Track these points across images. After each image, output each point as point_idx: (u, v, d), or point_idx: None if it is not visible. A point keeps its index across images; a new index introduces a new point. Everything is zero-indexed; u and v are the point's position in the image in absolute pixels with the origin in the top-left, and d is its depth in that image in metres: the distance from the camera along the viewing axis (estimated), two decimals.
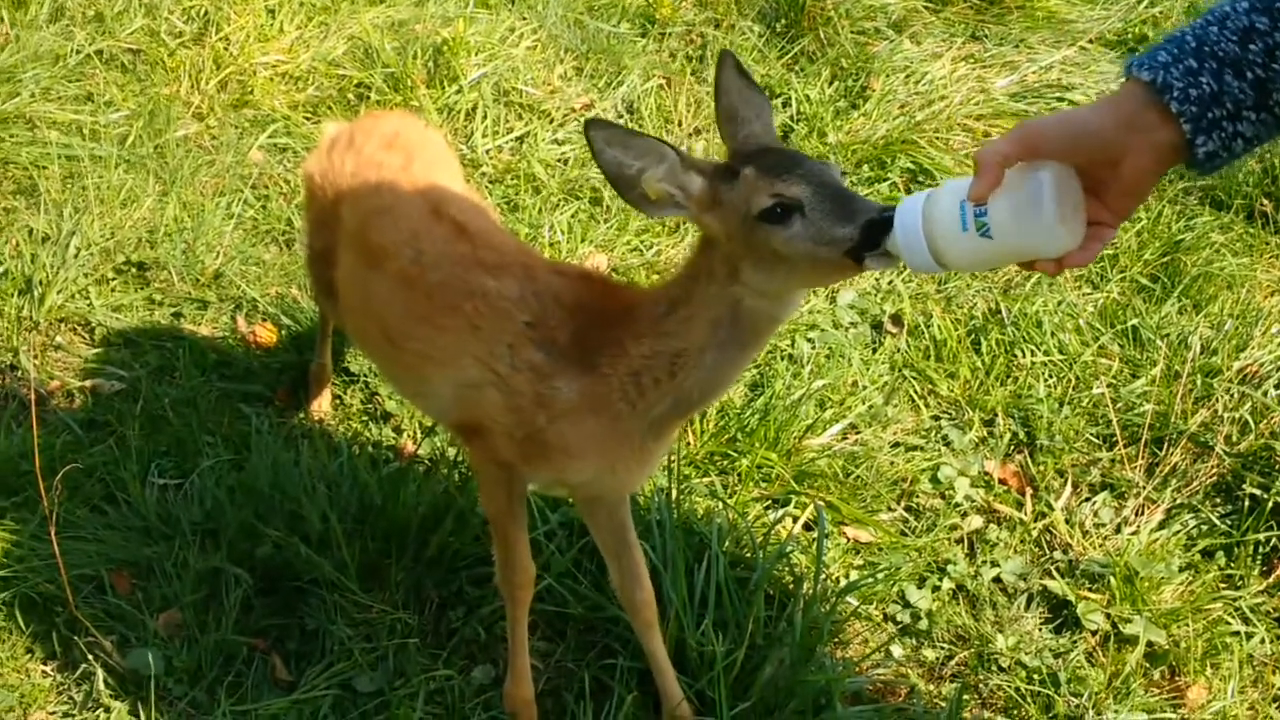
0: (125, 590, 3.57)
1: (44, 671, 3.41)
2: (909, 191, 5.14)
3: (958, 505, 4.03)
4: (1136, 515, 4.00)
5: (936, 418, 4.35)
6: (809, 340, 4.48)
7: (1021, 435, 4.27)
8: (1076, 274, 4.90)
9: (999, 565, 3.85)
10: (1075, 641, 3.66)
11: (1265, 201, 5.27)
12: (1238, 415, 4.16)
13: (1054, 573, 3.83)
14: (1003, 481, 4.12)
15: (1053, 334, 4.58)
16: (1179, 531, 3.94)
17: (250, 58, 5.56)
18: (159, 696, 3.31)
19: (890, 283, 4.79)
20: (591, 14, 6.04)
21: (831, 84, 5.72)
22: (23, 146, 5.04)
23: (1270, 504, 3.90)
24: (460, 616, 3.56)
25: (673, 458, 3.71)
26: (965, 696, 3.50)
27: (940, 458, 4.17)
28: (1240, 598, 3.78)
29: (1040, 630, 3.71)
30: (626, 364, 2.69)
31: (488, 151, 5.27)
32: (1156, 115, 1.91)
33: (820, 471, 4.03)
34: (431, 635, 3.53)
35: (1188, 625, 3.67)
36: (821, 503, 3.90)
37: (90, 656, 3.37)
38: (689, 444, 4.01)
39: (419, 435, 4.04)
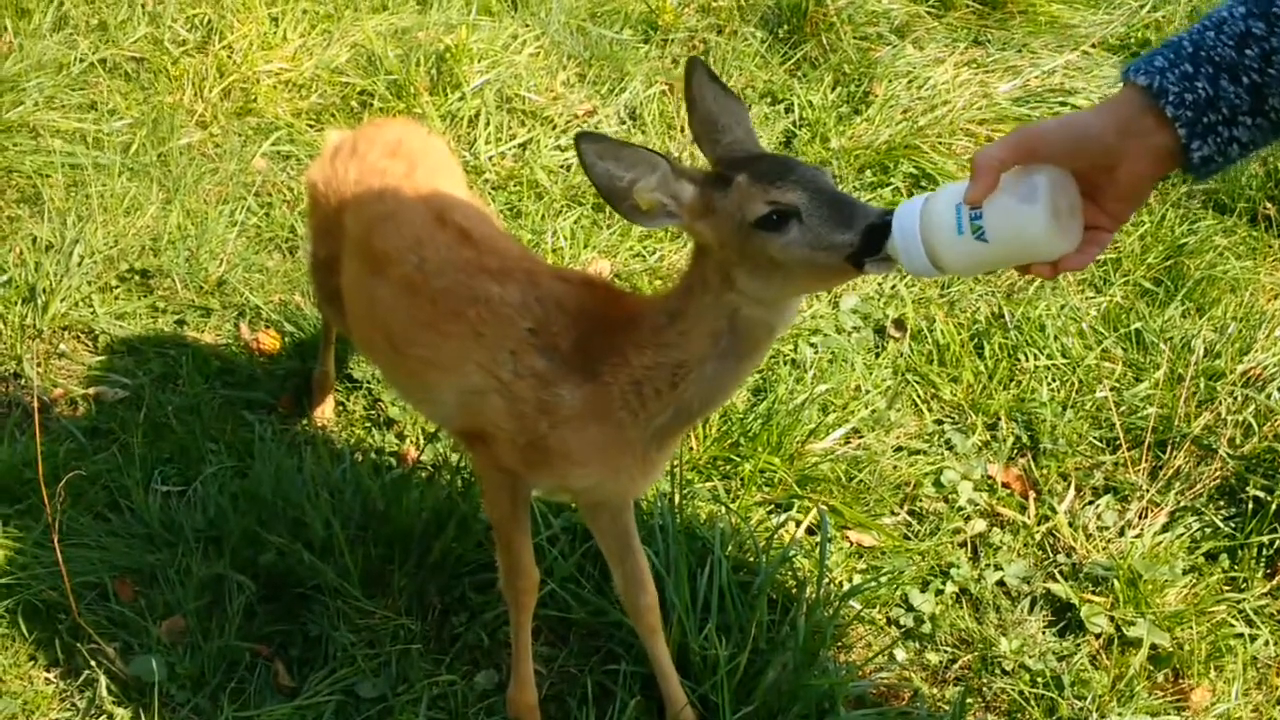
0: (128, 597, 3.57)
1: (47, 678, 3.41)
2: (911, 197, 5.14)
3: (961, 509, 4.02)
4: (1140, 518, 4.00)
5: (939, 422, 4.34)
6: (811, 345, 4.48)
7: (1025, 439, 4.27)
8: (1079, 278, 4.90)
9: (1002, 569, 3.84)
10: (1079, 644, 3.66)
11: (1268, 205, 5.27)
12: (1241, 418, 4.16)
13: (1057, 576, 3.83)
14: (1006, 485, 4.12)
15: (1056, 338, 4.58)
16: (1182, 534, 3.94)
17: (253, 66, 5.57)
18: (162, 703, 3.31)
19: (893, 287, 4.79)
20: (594, 20, 6.05)
21: (834, 89, 5.73)
22: (26, 155, 5.06)
23: (1274, 506, 3.90)
24: (463, 622, 3.56)
25: (675, 462, 3.70)
26: (969, 700, 3.49)
27: (943, 461, 4.17)
28: (1244, 600, 3.77)
29: (1044, 633, 3.70)
30: (628, 373, 2.69)
31: (490, 158, 5.28)
32: (1152, 120, 1.91)
33: (823, 476, 4.02)
34: (434, 641, 3.53)
35: (1191, 628, 3.66)
36: (824, 507, 3.90)
37: (93, 663, 3.38)
38: (692, 449, 4.01)
39: (422, 441, 4.04)
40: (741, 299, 2.47)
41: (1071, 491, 4.09)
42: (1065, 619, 3.74)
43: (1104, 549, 3.90)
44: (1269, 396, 4.21)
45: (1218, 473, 4.06)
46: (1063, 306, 4.73)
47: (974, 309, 4.74)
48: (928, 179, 5.26)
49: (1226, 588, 3.84)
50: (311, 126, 5.41)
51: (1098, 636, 3.67)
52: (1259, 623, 3.74)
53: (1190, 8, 6.29)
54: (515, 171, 5.22)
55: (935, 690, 3.57)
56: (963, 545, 3.94)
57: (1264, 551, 3.90)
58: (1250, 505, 3.97)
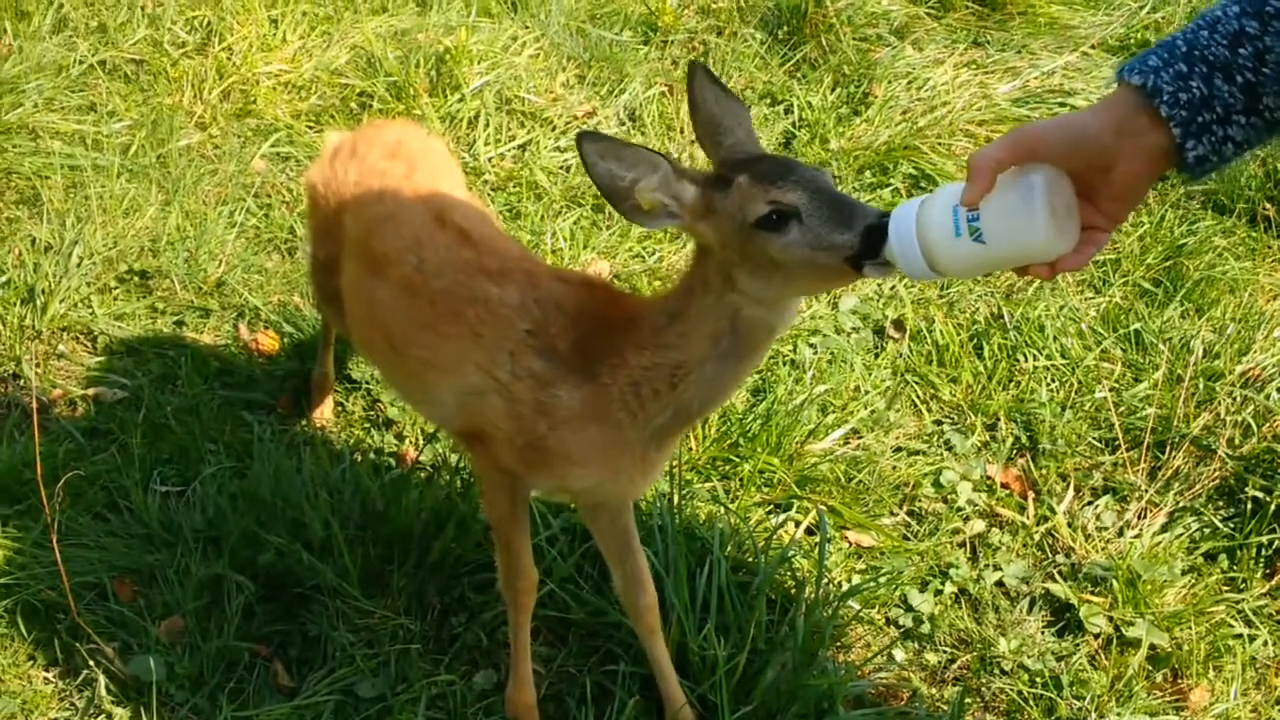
0: (127, 597, 3.57)
1: (46, 678, 3.41)
2: (910, 198, 5.14)
3: (960, 509, 4.02)
4: (1139, 518, 4.00)
5: (939, 422, 4.34)
6: (811, 345, 4.48)
7: (1024, 439, 4.27)
8: (1078, 278, 4.90)
9: (1001, 569, 3.84)
10: (1078, 644, 3.65)
11: (1267, 205, 5.27)
12: (1240, 418, 4.16)
13: (1056, 576, 3.82)
14: (1005, 485, 4.12)
15: (1055, 338, 4.58)
16: (1181, 535, 3.94)
17: (253, 67, 5.58)
18: (161, 703, 3.31)
19: (892, 288, 4.79)
20: (593, 22, 6.05)
21: (834, 90, 5.73)
22: (26, 156, 5.06)
23: (1273, 507, 3.90)
24: (462, 622, 3.56)
25: (675, 463, 3.70)
26: (967, 700, 3.49)
27: (942, 462, 4.17)
28: (1243, 600, 3.77)
29: (1042, 633, 3.70)
30: (627, 374, 2.69)
31: (490, 159, 5.28)
32: (1147, 120, 1.91)
33: (822, 476, 4.02)
34: (434, 641, 3.53)
35: (1190, 628, 3.66)
36: (823, 507, 3.90)
37: (92, 663, 3.38)
38: (691, 449, 4.01)
39: (421, 442, 4.04)
40: (743, 300, 2.47)
41: (1070, 492, 4.09)
42: (1064, 619, 3.74)
43: (1103, 549, 3.90)
44: (1268, 397, 4.21)
45: (1217, 473, 4.06)
46: (1062, 307, 4.73)
47: (973, 309, 4.74)
48: (927, 180, 5.27)
49: (1225, 588, 3.84)
50: (311, 128, 5.41)
51: (1096, 637, 3.67)
52: (1258, 623, 3.74)
53: (1189, 8, 6.29)
54: (515, 173, 5.22)
55: (934, 690, 3.57)
56: (962, 545, 3.94)
57: (1263, 552, 3.90)
58: (1249, 505, 3.97)
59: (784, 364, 4.41)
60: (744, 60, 5.87)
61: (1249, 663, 3.65)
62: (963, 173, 4.95)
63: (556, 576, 3.56)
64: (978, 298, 4.80)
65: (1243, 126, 1.90)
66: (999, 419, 4.31)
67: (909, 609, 3.74)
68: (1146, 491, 4.04)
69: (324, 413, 4.15)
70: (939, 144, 5.36)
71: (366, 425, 4.18)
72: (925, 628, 3.69)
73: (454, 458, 3.88)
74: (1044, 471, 4.15)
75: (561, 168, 5.27)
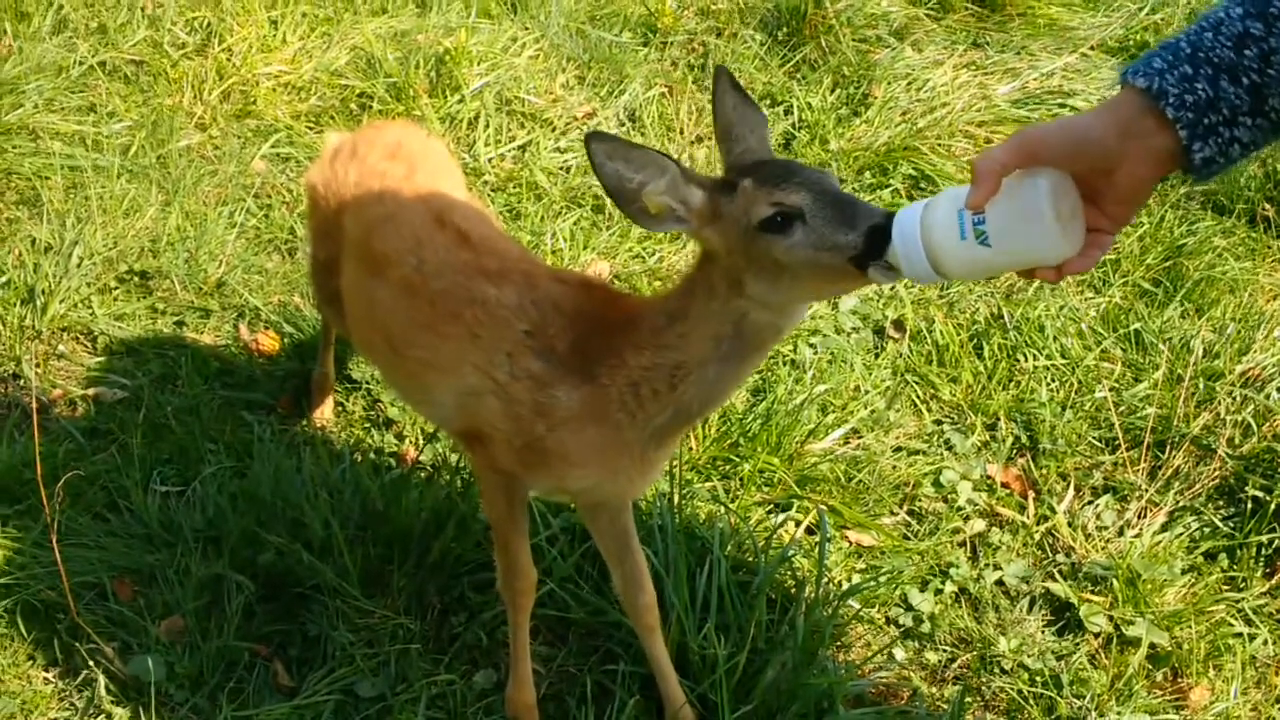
0: (127, 597, 3.57)
1: (46, 678, 3.41)
2: (911, 199, 5.15)
3: (960, 509, 4.02)
4: (1139, 518, 4.00)
5: (939, 422, 4.35)
6: (811, 345, 4.48)
7: (1024, 439, 4.27)
8: (1078, 279, 4.90)
9: (1001, 568, 3.84)
10: (1078, 644, 3.66)
11: (1267, 206, 5.28)
12: (1240, 418, 4.16)
13: (1056, 575, 3.82)
14: (1005, 485, 4.12)
15: (1055, 338, 4.58)
16: (1181, 534, 3.94)
17: (253, 68, 5.58)
18: (160, 703, 3.31)
19: (892, 288, 4.78)
20: (593, 23, 6.06)
21: (833, 91, 5.74)
22: (26, 157, 5.07)
23: (1273, 506, 3.90)
24: (462, 622, 3.56)
25: (675, 462, 3.71)
26: (968, 699, 3.49)
27: (942, 462, 4.17)
28: (1243, 599, 3.77)
29: (1043, 633, 3.70)
30: (625, 375, 2.68)
31: (490, 160, 5.29)
32: (1153, 122, 1.91)
33: (822, 476, 4.02)
34: (433, 640, 3.52)
35: (1190, 627, 3.66)
36: (823, 507, 3.90)
37: (92, 663, 3.37)
38: (691, 449, 4.01)
39: (421, 441, 4.04)
40: (750, 304, 2.47)
41: (1070, 491, 4.09)
42: (1064, 618, 3.74)
43: (1103, 549, 3.90)
44: (1268, 396, 4.22)
45: (1216, 472, 4.06)
46: (1062, 307, 4.73)
47: (973, 310, 4.74)
48: (927, 181, 5.27)
49: (1225, 587, 3.84)
50: (311, 129, 5.41)
51: (1096, 636, 3.67)
52: (1258, 622, 3.74)
53: (1189, 10, 6.29)
54: (514, 173, 5.23)
55: (934, 689, 3.57)
56: (962, 545, 3.94)
57: (1263, 551, 3.90)
58: (1249, 505, 3.97)
59: (784, 364, 4.41)
60: (744, 61, 5.88)
61: (1249, 662, 3.65)
62: (962, 173, 4.97)
63: (556, 576, 3.56)
64: (978, 298, 4.80)
65: (1249, 128, 1.89)
66: (999, 419, 4.31)
67: (909, 608, 3.73)
68: (1146, 491, 4.05)
69: (324, 413, 4.15)
70: (938, 145, 5.37)
71: (366, 425, 4.18)
72: (925, 627, 3.69)
73: (454, 458, 3.88)
74: (1044, 471, 4.15)
75: (561, 168, 5.27)
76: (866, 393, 4.36)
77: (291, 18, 5.83)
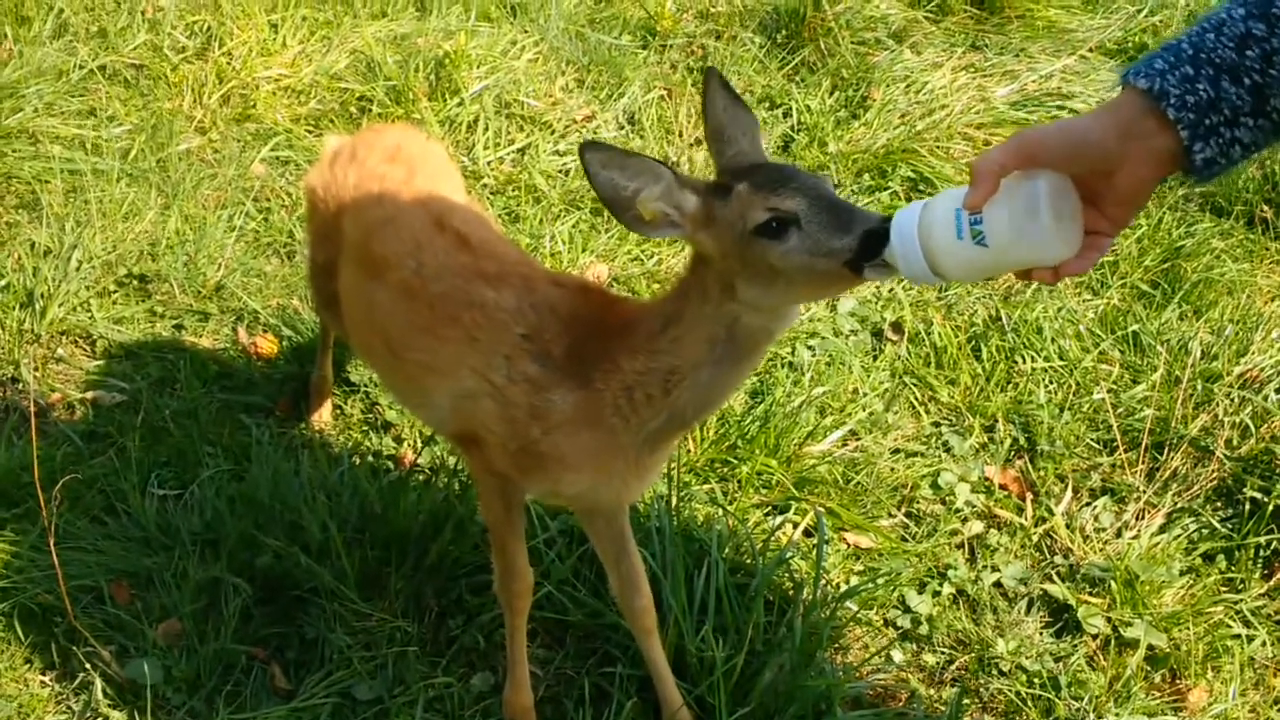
0: (124, 600, 3.57)
1: (43, 681, 3.41)
2: (909, 201, 5.15)
3: (958, 510, 4.02)
4: (1137, 519, 4.00)
5: (937, 424, 4.35)
6: (809, 348, 4.49)
7: (1022, 441, 4.27)
8: (1077, 281, 4.90)
9: (999, 570, 3.84)
10: (1076, 645, 3.65)
11: (1265, 208, 5.27)
12: (1238, 420, 4.16)
13: (1054, 577, 3.82)
14: (1003, 487, 4.11)
15: (1053, 340, 4.58)
16: (1179, 535, 3.94)
17: (253, 72, 5.59)
18: (157, 706, 3.31)
19: (891, 290, 4.79)
20: (592, 26, 6.07)
21: (832, 94, 5.74)
22: (25, 161, 5.08)
23: (1271, 508, 3.89)
24: (459, 624, 3.56)
25: (672, 465, 3.71)
26: (965, 701, 3.49)
27: (940, 463, 4.17)
28: (1241, 601, 3.77)
29: (1041, 634, 3.70)
30: (620, 379, 2.68)
31: (489, 163, 5.29)
32: (1154, 123, 1.90)
33: (820, 478, 4.02)
34: (431, 643, 3.52)
35: (1188, 628, 3.65)
36: (821, 509, 3.90)
37: (89, 666, 3.38)
38: (689, 451, 4.01)
39: (419, 444, 4.05)
40: (743, 309, 2.46)
41: (1069, 493, 4.08)
42: (1062, 620, 3.73)
43: (1101, 550, 3.90)
44: (1266, 398, 4.21)
45: (1215, 474, 4.06)
46: (1060, 309, 4.73)
47: (971, 312, 4.74)
48: (925, 183, 5.27)
49: (1224, 588, 3.83)
50: (310, 132, 5.42)
51: (1095, 637, 3.67)
52: (1256, 623, 3.73)
53: (1187, 12, 6.30)
54: (514, 176, 5.23)
55: (932, 691, 3.57)
56: (960, 547, 3.93)
57: (1261, 552, 3.90)
58: (1247, 506, 3.97)
59: (782, 366, 4.41)
60: (742, 64, 5.88)
61: (1247, 663, 3.65)
62: (962, 176, 4.98)
63: (554, 578, 3.56)
64: (976, 300, 4.80)
65: (1250, 129, 1.89)
66: (997, 420, 4.31)
67: (907, 610, 3.73)
68: (1145, 492, 4.04)
69: (322, 416, 4.16)
70: (937, 147, 5.37)
71: (365, 428, 4.18)
72: (923, 629, 3.69)
73: (452, 461, 3.88)
74: (1042, 473, 4.15)
75: (560, 171, 5.28)
76: (865, 395, 4.36)
77: (291, 21, 5.84)
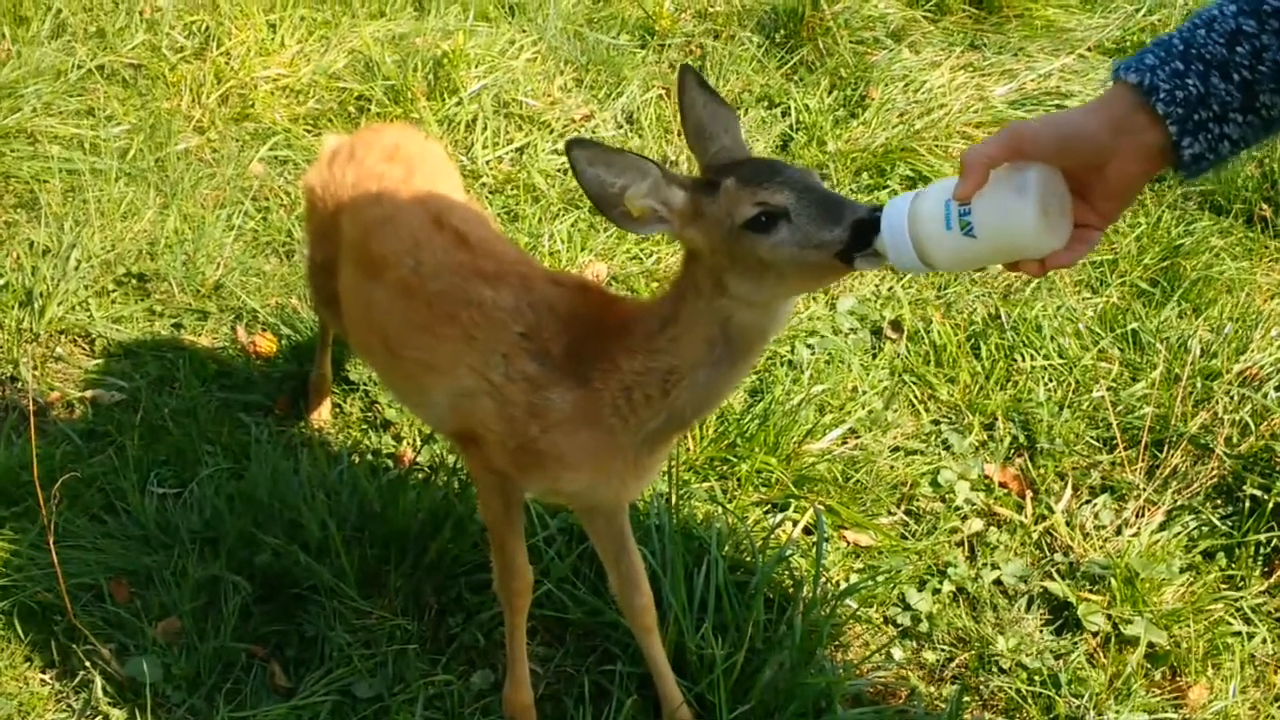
0: (124, 598, 3.57)
1: (43, 679, 3.41)
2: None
3: (958, 508, 4.02)
4: (1137, 517, 3.99)
5: (936, 422, 4.34)
6: (808, 346, 4.49)
7: (1021, 439, 4.27)
8: (1076, 279, 4.91)
9: (999, 568, 3.84)
10: (1076, 643, 3.65)
11: (1264, 206, 5.27)
12: (1238, 417, 4.16)
13: (1054, 575, 3.82)
14: (1003, 485, 4.11)
15: (1052, 338, 4.58)
16: (1180, 533, 3.93)
17: (251, 72, 5.59)
18: (157, 704, 3.31)
19: (890, 288, 4.79)
20: (591, 26, 6.07)
21: (831, 93, 5.74)
22: (24, 161, 5.07)
23: (1271, 505, 3.89)
24: (459, 622, 3.56)
25: (672, 463, 3.70)
26: (966, 698, 3.49)
27: (940, 461, 4.16)
28: (1241, 598, 3.77)
29: (1041, 632, 3.70)
30: (618, 379, 2.67)
31: (488, 162, 5.29)
32: (1144, 118, 1.91)
33: (820, 476, 4.02)
34: (430, 641, 3.52)
35: (1189, 626, 3.65)
36: (821, 507, 3.90)
37: (89, 664, 3.38)
38: (688, 449, 4.01)
39: (418, 443, 4.04)
40: (734, 304, 2.46)
41: (1068, 491, 4.08)
42: (1062, 617, 3.73)
43: (1101, 548, 3.90)
44: (1265, 396, 4.21)
45: (1214, 472, 4.06)
46: (1059, 307, 4.73)
47: (971, 310, 4.74)
48: (924, 182, 5.26)
49: (1224, 586, 3.83)
50: (309, 132, 5.42)
51: (1095, 635, 3.67)
52: (1256, 621, 3.73)
53: (1186, 11, 6.29)
54: (512, 175, 5.23)
55: (932, 689, 3.56)
56: (960, 544, 3.93)
57: (1261, 550, 3.89)
58: (1247, 504, 3.97)
59: (781, 364, 4.41)
60: (741, 63, 5.88)
61: (1247, 660, 3.64)
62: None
63: (554, 576, 3.56)
64: (975, 298, 4.80)
65: (1239, 125, 1.89)
66: (997, 418, 4.31)
67: (907, 608, 3.73)
68: (1144, 490, 4.04)
69: (321, 414, 4.16)
70: (936, 146, 5.37)
71: (364, 427, 4.18)
72: (923, 626, 3.69)
73: (451, 459, 3.88)
74: (1042, 470, 4.15)
75: (559, 170, 5.27)
76: (864, 393, 4.36)
77: (289, 21, 5.84)
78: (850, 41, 5.94)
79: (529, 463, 2.86)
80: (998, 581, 3.81)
